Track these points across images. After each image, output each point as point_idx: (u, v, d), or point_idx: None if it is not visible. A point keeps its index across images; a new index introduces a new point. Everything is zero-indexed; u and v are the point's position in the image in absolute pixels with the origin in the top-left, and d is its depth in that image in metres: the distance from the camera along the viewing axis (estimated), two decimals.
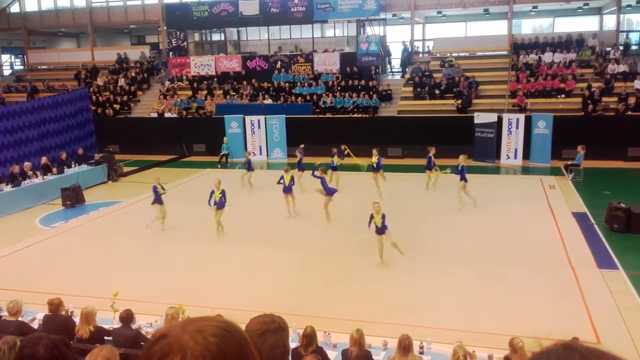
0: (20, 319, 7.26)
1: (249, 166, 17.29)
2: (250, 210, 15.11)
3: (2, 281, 10.40)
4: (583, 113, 20.66)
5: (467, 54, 25.91)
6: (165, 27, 29.12)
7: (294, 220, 13.93)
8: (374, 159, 16.50)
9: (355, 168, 17.75)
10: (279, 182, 14.27)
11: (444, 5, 26.55)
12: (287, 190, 13.97)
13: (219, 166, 21.64)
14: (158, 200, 13.65)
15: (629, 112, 20.20)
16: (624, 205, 12.71)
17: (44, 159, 18.18)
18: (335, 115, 23.27)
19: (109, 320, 7.72)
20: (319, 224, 13.83)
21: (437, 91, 23.15)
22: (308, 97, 24.17)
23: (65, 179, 17.58)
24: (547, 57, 23.36)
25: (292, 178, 14.08)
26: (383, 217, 10.97)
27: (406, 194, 16.45)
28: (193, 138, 24.31)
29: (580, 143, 18.07)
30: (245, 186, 17.14)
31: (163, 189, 13.81)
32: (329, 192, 13.71)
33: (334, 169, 17.04)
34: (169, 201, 16.36)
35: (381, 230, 10.92)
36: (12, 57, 37.70)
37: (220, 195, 13.01)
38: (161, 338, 1.09)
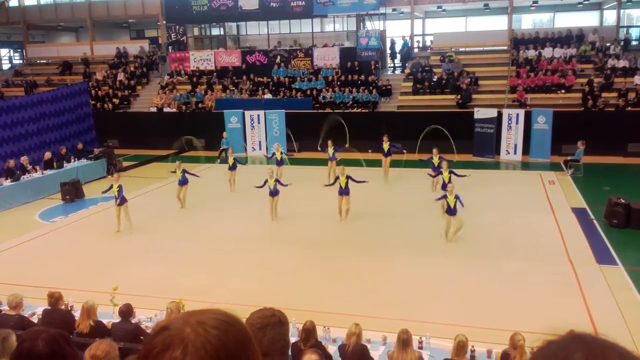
0: (20, 312, 7.27)
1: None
2: (249, 208, 15.11)
3: (2, 275, 10.41)
4: (583, 108, 20.65)
5: (467, 49, 25.86)
6: (164, 22, 29.04)
7: (294, 217, 13.91)
8: (385, 146, 16.62)
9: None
10: (262, 186, 13.91)
11: (444, 0, 26.49)
12: (273, 193, 13.72)
13: (219, 161, 21.60)
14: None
15: (629, 108, 20.18)
16: (623, 201, 12.73)
17: (47, 154, 18.16)
18: (335, 110, 23.23)
19: (109, 315, 7.73)
20: (318, 220, 13.84)
21: (436, 89, 23.12)
22: (308, 92, 24.14)
23: (64, 174, 17.56)
24: (547, 52, 23.32)
25: (276, 181, 13.84)
26: (457, 198, 11.48)
27: (405, 189, 16.46)
28: (192, 133, 24.25)
29: (580, 138, 18.06)
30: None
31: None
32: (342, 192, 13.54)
33: (333, 159, 17.16)
34: (168, 197, 16.39)
35: (452, 211, 11.52)
36: (11, 51, 37.61)
37: (182, 173, 14.90)
38: (163, 330, 1.09)
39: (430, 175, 15.32)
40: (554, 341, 1.04)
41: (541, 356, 1.03)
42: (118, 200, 13.12)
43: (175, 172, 15.29)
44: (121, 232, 13.14)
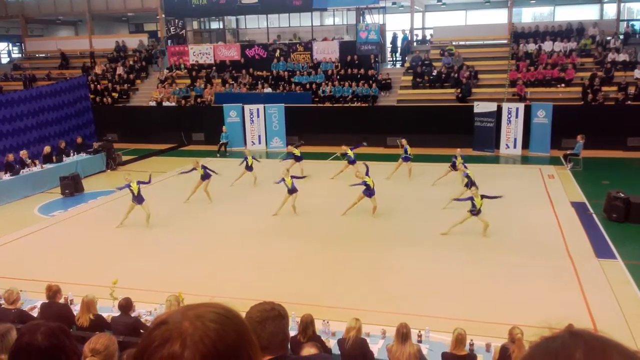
0: (21, 307, 7.29)
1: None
2: (249, 202, 15.12)
3: (2, 269, 10.43)
4: (583, 102, 20.62)
5: (467, 42, 25.80)
6: (163, 15, 28.94)
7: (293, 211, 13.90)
8: (409, 149, 16.57)
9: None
10: (278, 182, 13.81)
11: None
12: (292, 191, 13.55)
13: (218, 155, 21.60)
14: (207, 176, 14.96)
15: (629, 102, 20.16)
16: (622, 195, 12.73)
17: (46, 148, 18.14)
18: (335, 105, 23.21)
19: (109, 308, 7.74)
20: (319, 214, 13.85)
21: (436, 83, 23.08)
22: (307, 86, 24.09)
23: (64, 168, 17.56)
24: (547, 46, 23.27)
25: (292, 178, 13.66)
26: (483, 197, 11.89)
27: (408, 184, 16.45)
28: (192, 127, 24.27)
29: (580, 132, 18.06)
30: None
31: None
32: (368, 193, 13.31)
33: (352, 162, 16.71)
34: (169, 190, 16.41)
35: (477, 212, 11.80)
36: (10, 45, 37.49)
37: (202, 169, 14.82)
38: (161, 324, 1.10)
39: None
40: (551, 338, 1.03)
41: (540, 353, 1.02)
42: (136, 198, 13.03)
43: (195, 169, 15.04)
44: (122, 225, 13.11)
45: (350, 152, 16.84)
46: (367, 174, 13.47)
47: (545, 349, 1.02)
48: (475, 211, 11.81)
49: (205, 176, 14.89)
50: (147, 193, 14.65)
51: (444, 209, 13.46)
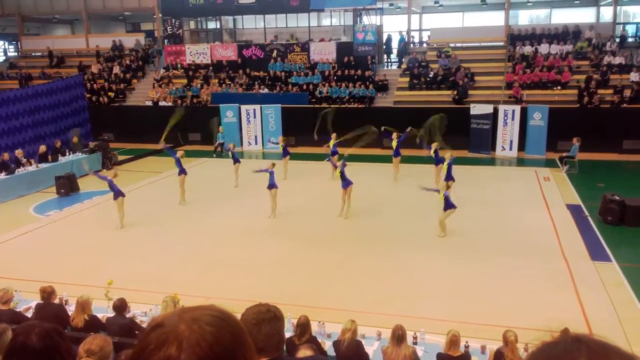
0: (15, 308, 7.25)
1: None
2: (244, 202, 15.10)
3: None
4: (578, 105, 20.69)
5: (463, 44, 25.85)
6: (160, 15, 28.89)
7: (290, 212, 13.89)
8: (394, 143, 16.63)
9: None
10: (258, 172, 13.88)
11: None
12: (270, 186, 13.43)
13: (215, 155, 21.57)
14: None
15: (625, 105, 20.23)
16: (618, 198, 12.77)
17: (42, 147, 18.08)
18: (331, 105, 23.17)
19: (104, 309, 7.71)
20: (315, 215, 13.84)
21: (432, 84, 23.11)
22: (304, 87, 24.09)
23: (59, 167, 17.50)
24: (544, 48, 23.35)
25: (271, 173, 13.44)
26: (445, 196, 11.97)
27: (405, 185, 16.46)
28: (188, 127, 24.18)
29: (576, 135, 18.11)
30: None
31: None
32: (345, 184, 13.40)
33: (335, 153, 16.94)
34: (165, 191, 16.38)
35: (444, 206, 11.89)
36: (6, 43, 37.37)
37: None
38: (157, 327, 1.09)
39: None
40: (553, 343, 1.03)
41: (542, 359, 1.02)
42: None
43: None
44: (116, 226, 13.07)
45: (331, 143, 17.01)
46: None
47: (547, 354, 1.02)
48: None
49: (181, 171, 14.75)
50: (145, 193, 14.64)
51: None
